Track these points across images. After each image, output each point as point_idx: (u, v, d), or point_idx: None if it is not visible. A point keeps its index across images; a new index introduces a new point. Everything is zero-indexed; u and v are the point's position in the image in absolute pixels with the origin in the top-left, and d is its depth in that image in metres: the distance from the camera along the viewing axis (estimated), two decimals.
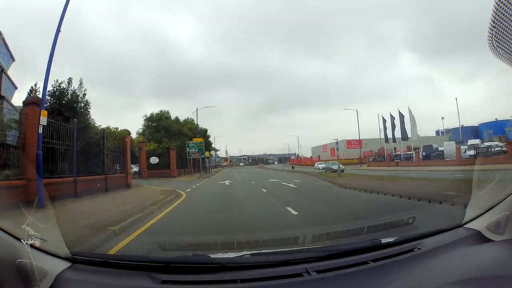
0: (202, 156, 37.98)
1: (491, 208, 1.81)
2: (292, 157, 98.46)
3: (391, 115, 46.26)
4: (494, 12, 1.23)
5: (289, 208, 7.69)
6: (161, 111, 40.84)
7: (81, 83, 13.41)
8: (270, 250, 2.26)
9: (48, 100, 11.44)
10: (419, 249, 1.79)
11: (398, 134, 45.34)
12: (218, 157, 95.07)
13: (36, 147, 8.12)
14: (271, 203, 9.82)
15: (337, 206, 8.75)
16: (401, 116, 44.50)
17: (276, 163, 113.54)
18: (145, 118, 40.50)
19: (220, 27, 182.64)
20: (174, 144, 36.84)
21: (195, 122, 43.06)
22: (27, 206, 2.03)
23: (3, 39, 15.78)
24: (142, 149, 32.08)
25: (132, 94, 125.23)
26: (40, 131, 8.11)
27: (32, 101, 9.14)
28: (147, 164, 32.42)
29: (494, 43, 1.35)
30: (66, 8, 8.98)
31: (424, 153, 39.39)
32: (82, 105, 13.40)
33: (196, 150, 36.87)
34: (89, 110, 13.82)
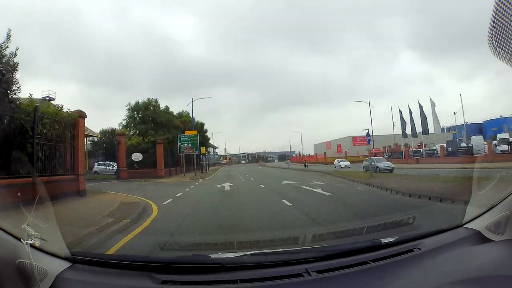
0: (196, 152, 30.90)
1: (491, 208, 1.81)
2: (294, 155, 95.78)
3: (409, 109, 42.02)
4: (494, 12, 1.23)
5: None
6: (148, 99, 33.32)
7: (8, 37, 9.31)
8: (270, 250, 2.26)
9: None
10: (419, 249, 1.79)
11: (408, 130, 43.20)
12: (217, 154, 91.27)
13: None
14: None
15: None
16: (421, 108, 40.19)
17: (276, 160, 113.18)
18: (128, 107, 32.71)
19: (220, 27, 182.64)
20: (162, 137, 29.88)
21: (191, 115, 37.52)
22: None
23: None
24: (120, 143, 26.08)
25: (132, 94, 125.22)
26: None
27: None
28: (128, 162, 26.75)
29: (494, 43, 1.34)
30: None
31: (450, 149, 34.84)
32: None
33: (190, 145, 30.01)
34: (15, 75, 9.21)
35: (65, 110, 11.78)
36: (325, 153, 64.20)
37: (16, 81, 9.32)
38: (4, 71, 8.90)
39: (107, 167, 28.77)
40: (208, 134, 50.03)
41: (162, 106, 34.66)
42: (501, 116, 53.97)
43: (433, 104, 39.87)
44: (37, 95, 35.01)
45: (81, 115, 12.34)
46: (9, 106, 8.80)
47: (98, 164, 29.88)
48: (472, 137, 37.36)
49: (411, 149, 41.32)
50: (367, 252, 1.76)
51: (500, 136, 35.41)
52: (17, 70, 9.38)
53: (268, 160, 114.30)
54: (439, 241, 1.86)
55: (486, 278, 1.40)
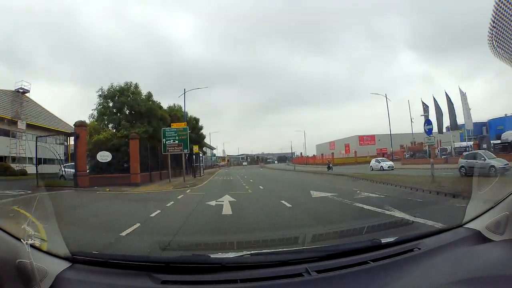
0: (186, 151, 23.33)
1: (491, 208, 1.81)
2: (296, 156, 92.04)
3: (435, 101, 35.49)
4: (494, 12, 1.24)
5: None
6: (126, 83, 25.27)
7: None
8: (270, 250, 2.26)
9: None
10: (419, 249, 1.79)
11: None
12: (215, 155, 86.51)
13: None
14: None
15: None
16: (449, 99, 34.20)
17: (276, 162, 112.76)
18: (100, 93, 24.53)
19: (220, 26, 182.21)
20: (138, 130, 22.57)
21: (184, 109, 31.50)
22: None
23: None
24: (79, 137, 19.10)
25: None
26: None
27: None
28: (93, 164, 20.46)
29: (494, 43, 1.35)
30: None
31: (484, 145, 29.82)
32: None
33: (176, 141, 22.50)
34: None
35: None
36: (332, 153, 58.02)
37: None
38: None
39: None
40: (205, 132, 45.20)
41: (144, 91, 26.58)
42: (506, 115, 52.48)
43: (463, 95, 32.85)
44: (11, 86, 32.74)
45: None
46: None
47: (65, 167, 23.00)
48: (507, 131, 33.90)
49: (437, 148, 34.61)
50: (367, 252, 1.76)
51: (505, 135, 33.17)
52: None
53: (267, 162, 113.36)
54: (439, 241, 1.86)
55: (486, 278, 1.40)
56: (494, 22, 1.27)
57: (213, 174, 36.88)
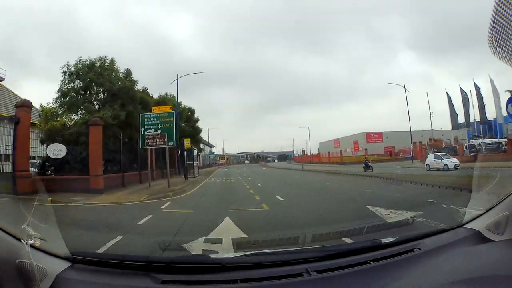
0: (171, 144, 17.24)
1: (491, 208, 1.81)
2: (297, 154, 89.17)
3: (462, 91, 32.03)
4: (494, 12, 1.23)
5: None
6: (100, 57, 18.78)
7: None
8: (270, 250, 2.26)
9: None
10: (419, 249, 1.79)
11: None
12: (213, 153, 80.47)
13: None
14: None
15: None
16: (478, 89, 30.64)
17: (276, 161, 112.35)
18: (65, 69, 17.94)
19: (220, 26, 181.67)
20: (104, 114, 16.18)
21: (181, 101, 29.77)
22: None
23: None
24: (19, 122, 12.51)
25: None
26: None
27: None
28: (42, 161, 14.91)
29: (494, 43, 1.35)
30: None
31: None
32: None
33: (159, 130, 16.70)
34: None
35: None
36: (340, 151, 52.79)
37: None
38: None
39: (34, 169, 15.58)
40: (202, 127, 40.43)
41: (122, 68, 19.68)
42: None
43: (493, 84, 28.27)
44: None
45: None
46: None
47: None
48: None
49: (466, 144, 31.71)
50: (367, 252, 1.76)
51: None
52: None
53: (267, 160, 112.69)
54: (439, 241, 1.86)
55: (486, 278, 1.40)
56: (494, 22, 1.27)
57: (210, 175, 30.72)
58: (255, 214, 7.67)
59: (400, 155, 47.68)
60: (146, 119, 17.00)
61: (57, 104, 17.45)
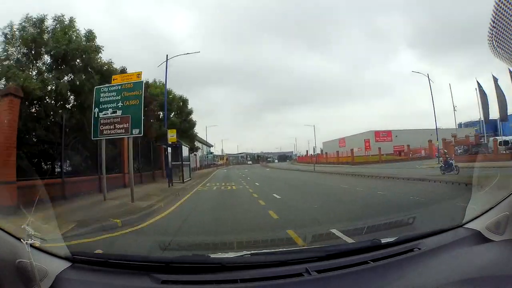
0: (137, 132, 10.12)
1: (491, 208, 1.81)
2: (299, 155, 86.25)
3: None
4: (494, 12, 1.23)
5: None
6: (55, 15, 12.82)
7: None
8: (270, 250, 2.26)
9: None
10: (419, 249, 1.79)
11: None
12: (211, 153, 75.49)
13: None
14: None
15: None
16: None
17: (276, 161, 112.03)
18: (5, 30, 11.90)
19: (219, 25, 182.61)
20: (25, 80, 10.38)
21: (175, 92, 26.62)
22: None
23: None
24: None
25: None
26: None
27: None
28: None
29: (494, 43, 1.35)
30: None
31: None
32: None
33: (119, 111, 10.09)
34: None
35: None
36: (351, 150, 47.07)
37: None
38: None
39: None
40: (199, 125, 37.25)
41: (81, 28, 13.62)
42: None
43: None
44: None
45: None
46: None
47: None
48: None
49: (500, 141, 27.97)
50: (367, 252, 1.76)
51: None
52: None
53: (268, 161, 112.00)
54: (439, 241, 1.86)
55: (486, 278, 1.40)
56: (494, 22, 1.27)
57: (207, 177, 26.04)
58: None
59: (410, 155, 44.77)
60: (102, 95, 10.30)
61: None
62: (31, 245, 1.37)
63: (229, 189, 15.05)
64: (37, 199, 2.31)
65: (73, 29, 13.22)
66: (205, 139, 57.38)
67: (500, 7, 1.21)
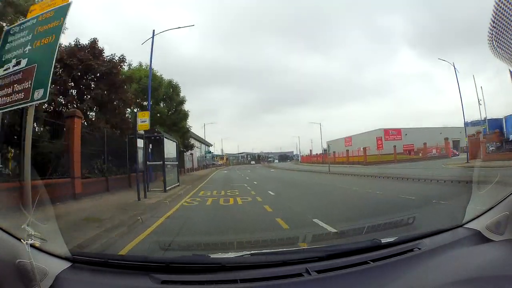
0: (39, 97, 5.61)
1: (491, 208, 1.81)
2: (302, 154, 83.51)
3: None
4: (494, 12, 1.23)
5: None
6: None
7: None
8: (270, 250, 2.26)
9: None
10: (419, 249, 1.79)
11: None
12: (209, 152, 70.80)
13: None
14: None
15: None
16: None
17: (276, 161, 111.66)
18: None
19: (219, 24, 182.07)
20: None
21: (164, 77, 22.62)
22: None
23: None
24: None
25: None
26: None
27: None
28: None
29: (494, 43, 1.35)
30: None
31: None
32: None
33: (23, 61, 5.85)
34: None
35: None
36: (364, 149, 42.74)
37: None
38: None
39: None
40: (199, 124, 32.79)
41: None
42: None
43: None
44: None
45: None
46: None
47: None
48: None
49: None
50: (367, 252, 1.76)
51: None
52: None
53: (269, 161, 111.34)
54: (439, 241, 1.86)
55: (486, 278, 1.40)
56: (494, 22, 1.27)
57: (202, 181, 20.67)
58: None
59: (420, 154, 42.67)
60: (11, 39, 6.50)
61: None
62: (31, 245, 1.38)
63: (232, 203, 9.40)
64: None
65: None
66: (203, 137, 55.26)
67: (500, 7, 1.21)
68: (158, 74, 22.95)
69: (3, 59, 6.35)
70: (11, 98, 6.05)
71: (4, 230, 1.35)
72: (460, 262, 1.62)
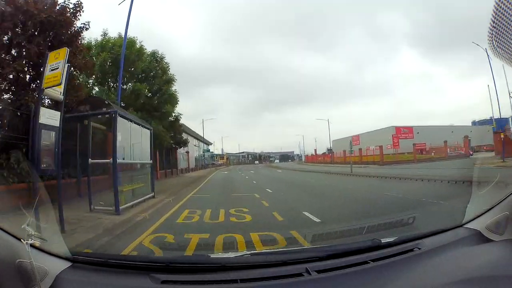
0: None
1: (491, 208, 1.81)
2: (304, 154, 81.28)
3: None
4: (494, 12, 1.23)
5: None
6: None
7: None
8: (270, 250, 2.26)
9: None
10: (419, 249, 1.79)
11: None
12: (208, 151, 65.18)
13: None
14: None
15: None
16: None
17: (277, 161, 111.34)
18: None
19: (219, 24, 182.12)
20: None
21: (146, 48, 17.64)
22: None
23: None
24: None
25: None
26: None
27: None
28: None
29: (494, 43, 1.35)
30: None
31: None
32: None
33: None
34: None
35: None
36: (380, 147, 38.09)
37: None
38: None
39: None
40: (198, 122, 26.70)
41: None
42: None
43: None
44: None
45: None
46: None
47: None
48: None
49: None
50: (367, 252, 1.76)
51: None
52: None
53: (270, 161, 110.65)
54: (439, 241, 1.86)
55: (486, 278, 1.40)
56: (494, 22, 1.27)
57: (194, 188, 14.82)
58: None
59: (433, 153, 39.18)
60: None
61: None
62: (31, 245, 1.38)
63: (244, 249, 3.79)
64: None
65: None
66: (202, 135, 51.61)
67: (500, 7, 1.21)
68: (139, 43, 17.38)
69: None
70: None
71: (4, 230, 1.35)
72: (460, 262, 1.62)
